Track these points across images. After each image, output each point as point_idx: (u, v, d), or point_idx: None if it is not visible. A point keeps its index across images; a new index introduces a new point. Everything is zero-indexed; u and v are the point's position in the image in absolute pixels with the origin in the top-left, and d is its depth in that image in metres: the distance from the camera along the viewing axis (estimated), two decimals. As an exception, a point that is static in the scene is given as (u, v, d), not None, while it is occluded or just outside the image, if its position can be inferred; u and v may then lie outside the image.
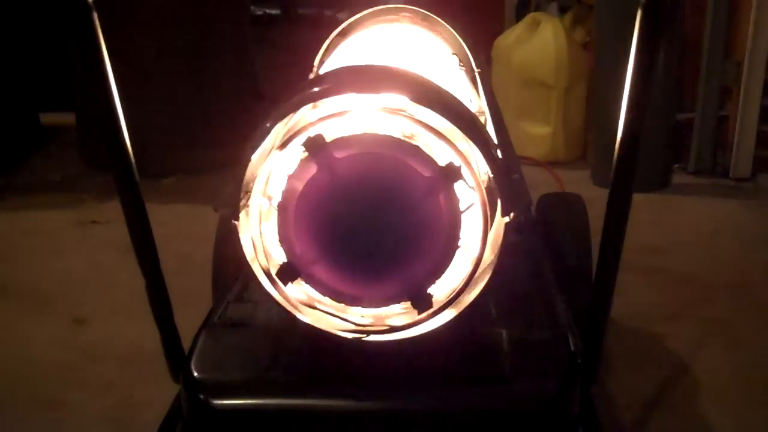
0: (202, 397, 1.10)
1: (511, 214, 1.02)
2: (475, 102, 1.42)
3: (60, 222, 2.89)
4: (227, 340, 1.19)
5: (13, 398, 1.81)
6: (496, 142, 1.16)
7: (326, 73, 1.11)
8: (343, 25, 1.77)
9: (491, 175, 1.03)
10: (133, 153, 1.11)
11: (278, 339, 1.16)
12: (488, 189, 1.03)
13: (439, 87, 1.09)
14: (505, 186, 1.02)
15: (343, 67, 1.15)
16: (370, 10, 1.80)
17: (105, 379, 1.87)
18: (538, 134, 3.44)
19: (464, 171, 1.00)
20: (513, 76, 3.43)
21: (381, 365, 1.08)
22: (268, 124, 1.02)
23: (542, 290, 1.31)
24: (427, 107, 1.00)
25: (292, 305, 1.06)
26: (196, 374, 1.13)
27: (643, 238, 2.55)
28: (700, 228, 2.80)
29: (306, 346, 1.13)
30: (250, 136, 1.04)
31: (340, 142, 1.00)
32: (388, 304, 1.05)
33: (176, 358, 1.20)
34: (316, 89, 1.02)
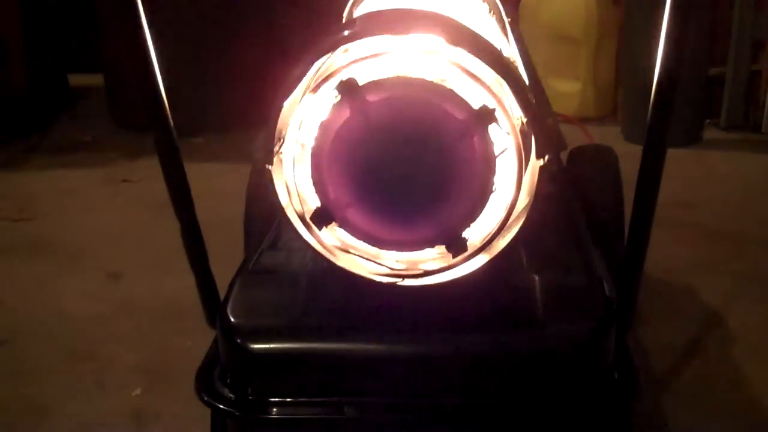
0: (238, 341, 1.11)
1: (546, 158, 1.01)
2: (506, 49, 1.40)
3: (91, 181, 2.92)
4: (262, 286, 1.20)
5: (50, 351, 1.84)
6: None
7: (357, 17, 1.10)
8: (371, -23, 1.75)
9: (525, 119, 1.02)
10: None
11: (313, 284, 1.17)
12: (522, 132, 1.02)
13: (473, 30, 1.08)
14: (540, 128, 1.01)
15: (374, 11, 1.14)
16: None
17: (140, 332, 1.90)
18: (567, 90, 3.41)
19: (498, 114, 0.99)
20: (541, 33, 3.39)
21: (415, 310, 1.09)
22: (299, 69, 1.02)
23: (576, 238, 1.31)
24: (459, 47, 0.99)
25: (327, 250, 1.06)
26: (232, 319, 1.14)
27: (674, 193, 2.51)
28: (731, 183, 2.78)
29: (340, 291, 1.13)
30: (282, 82, 1.04)
31: (373, 86, 0.99)
32: (423, 248, 1.05)
33: (212, 303, 1.21)
34: (347, 32, 1.01)
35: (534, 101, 1.03)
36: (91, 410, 1.64)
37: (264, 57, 3.46)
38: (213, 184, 2.62)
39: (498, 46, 1.24)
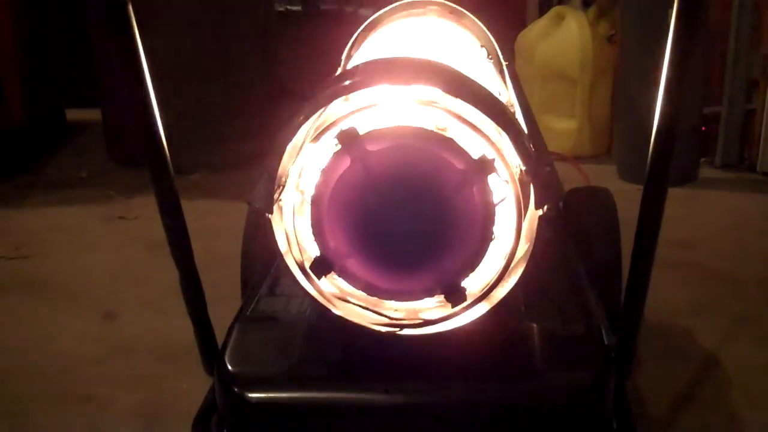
0: (236, 390, 1.11)
1: (545, 207, 1.02)
2: (504, 94, 1.41)
3: (87, 218, 2.92)
4: (260, 334, 1.20)
5: (43, 393, 1.82)
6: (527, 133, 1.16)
7: (357, 66, 1.10)
8: (369, 20, 1.77)
9: (524, 168, 1.02)
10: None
11: (311, 332, 1.17)
12: (521, 181, 1.03)
13: (471, 78, 1.08)
14: (539, 178, 1.01)
15: (374, 60, 1.14)
16: (397, 3, 1.80)
17: (135, 374, 1.88)
18: (563, 129, 3.42)
19: (497, 163, 1.00)
20: (536, 71, 3.42)
21: (414, 359, 1.08)
22: (300, 118, 1.02)
23: (574, 285, 1.31)
24: (459, 99, 1.00)
25: (326, 299, 1.06)
26: (230, 367, 1.13)
27: (670, 233, 2.48)
28: (727, 222, 2.78)
29: (339, 340, 1.13)
30: (282, 130, 1.04)
31: (373, 135, 0.99)
32: (422, 298, 1.05)
33: (210, 350, 1.21)
34: (347, 82, 1.02)
35: (533, 150, 1.04)
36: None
37: (262, 94, 3.49)
38: (209, 221, 2.62)
39: (496, 93, 1.25)
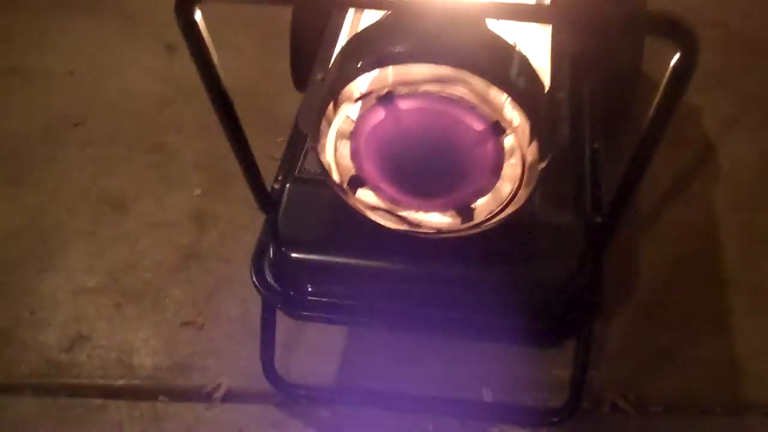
0: (282, 248, 1.39)
1: (547, 159, 1.21)
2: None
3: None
4: (305, 198, 1.43)
5: (120, 137, 2.10)
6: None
7: (405, 36, 1.19)
8: None
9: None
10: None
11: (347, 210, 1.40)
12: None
13: (511, 57, 1.19)
14: (541, 136, 1.18)
15: (420, 33, 1.19)
16: None
17: (197, 121, 2.12)
18: None
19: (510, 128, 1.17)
20: None
21: (426, 244, 1.34)
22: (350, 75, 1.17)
23: (575, 167, 1.49)
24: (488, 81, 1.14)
25: (359, 207, 1.30)
26: (279, 226, 1.40)
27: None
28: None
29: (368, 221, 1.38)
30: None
31: (407, 97, 1.16)
32: (437, 211, 1.28)
33: (261, 194, 1.39)
34: (399, 50, 1.14)
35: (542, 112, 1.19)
36: (160, 210, 1.96)
37: None
38: None
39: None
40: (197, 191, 1.98)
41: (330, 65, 1.30)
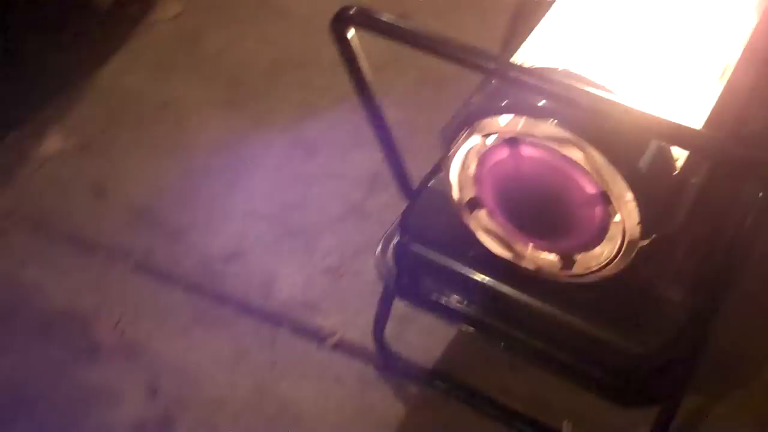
0: (405, 241, 1.53)
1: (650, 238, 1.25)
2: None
3: None
4: (434, 203, 1.53)
5: (334, 87, 2.25)
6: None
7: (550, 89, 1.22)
8: None
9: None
10: None
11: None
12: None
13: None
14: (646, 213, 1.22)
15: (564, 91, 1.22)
16: None
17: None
18: None
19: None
20: None
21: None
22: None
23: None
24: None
25: (473, 227, 1.41)
26: (407, 221, 1.54)
27: None
28: None
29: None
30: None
31: (531, 144, 1.24)
32: (542, 249, 1.37)
33: (404, 183, 1.54)
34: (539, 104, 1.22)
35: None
36: (342, 163, 2.14)
37: None
38: None
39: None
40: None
41: (479, 91, 1.39)
